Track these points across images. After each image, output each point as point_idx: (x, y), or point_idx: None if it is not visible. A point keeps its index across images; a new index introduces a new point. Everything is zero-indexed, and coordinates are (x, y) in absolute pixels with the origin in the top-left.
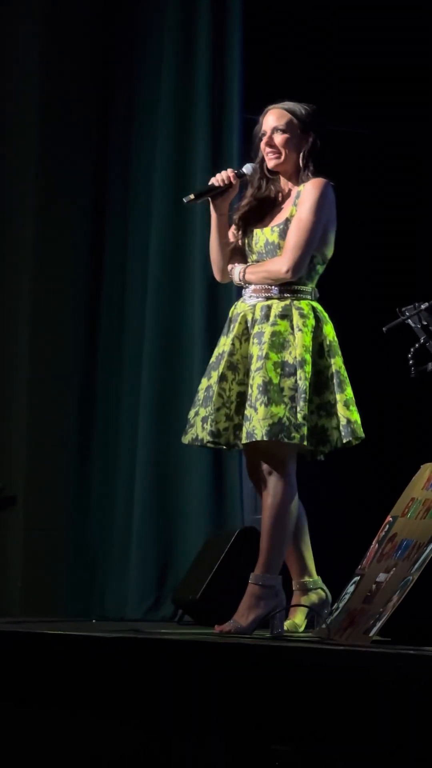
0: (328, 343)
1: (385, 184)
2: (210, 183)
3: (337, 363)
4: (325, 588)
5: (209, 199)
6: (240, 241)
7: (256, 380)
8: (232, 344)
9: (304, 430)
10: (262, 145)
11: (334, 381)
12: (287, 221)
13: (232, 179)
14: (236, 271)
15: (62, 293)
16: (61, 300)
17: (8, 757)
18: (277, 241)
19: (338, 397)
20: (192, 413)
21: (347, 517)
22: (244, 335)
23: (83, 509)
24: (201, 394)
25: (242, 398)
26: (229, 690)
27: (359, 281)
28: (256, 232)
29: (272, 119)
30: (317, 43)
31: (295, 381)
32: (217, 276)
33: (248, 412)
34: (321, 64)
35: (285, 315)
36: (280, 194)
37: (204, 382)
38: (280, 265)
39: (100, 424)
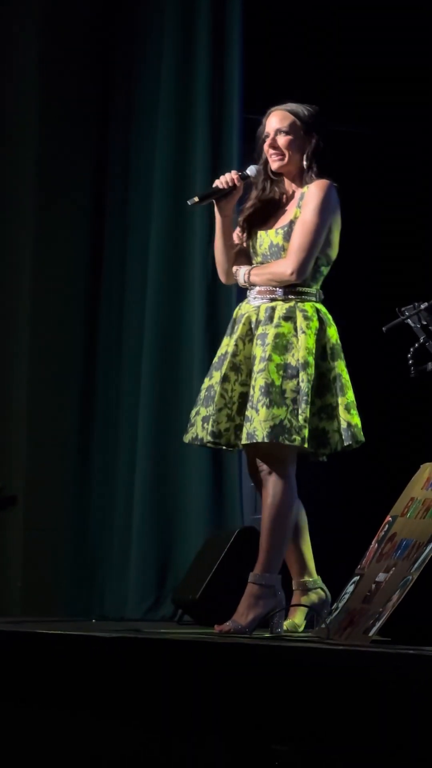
0: (331, 345)
1: (384, 184)
2: (214, 185)
3: (339, 366)
4: (324, 588)
5: (213, 201)
6: (245, 243)
7: (258, 381)
8: (236, 345)
9: (305, 432)
10: (266, 146)
11: (336, 384)
12: (291, 223)
13: (236, 181)
14: (241, 272)
15: (62, 293)
16: (61, 300)
17: (8, 757)
18: (281, 243)
19: (340, 400)
20: (193, 412)
21: (347, 517)
22: (248, 336)
23: (83, 509)
24: (202, 394)
25: (244, 399)
26: (229, 690)
27: (358, 281)
28: (261, 234)
29: (275, 121)
30: (317, 42)
31: (297, 383)
32: (222, 278)
33: (249, 413)
34: (321, 64)
35: (289, 317)
36: (284, 196)
37: (206, 382)
38: (285, 267)
39: (100, 424)
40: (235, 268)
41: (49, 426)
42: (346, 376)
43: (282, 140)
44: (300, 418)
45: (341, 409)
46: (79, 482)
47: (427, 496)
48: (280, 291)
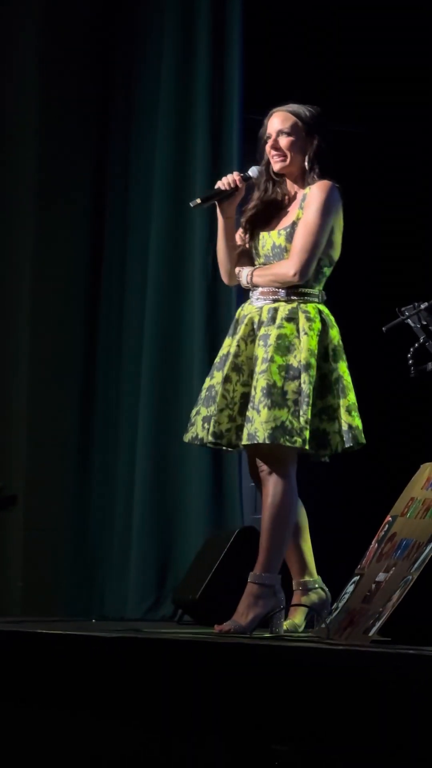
0: (333, 347)
1: (384, 184)
2: (216, 187)
3: (341, 367)
4: (325, 588)
5: (215, 203)
6: (247, 245)
7: (260, 382)
8: (238, 346)
9: (306, 434)
10: (268, 148)
11: (338, 385)
12: (294, 224)
13: (238, 183)
14: (244, 274)
15: (62, 293)
16: (61, 300)
17: (8, 757)
18: (284, 244)
19: (341, 402)
20: (193, 412)
21: (347, 516)
22: (250, 337)
23: (83, 509)
24: (203, 393)
25: (246, 399)
26: (229, 690)
27: (358, 281)
28: (263, 235)
29: (277, 122)
30: (317, 42)
31: (299, 385)
32: (225, 279)
33: (251, 413)
34: (321, 64)
35: (291, 318)
36: (286, 197)
37: (207, 382)
38: (288, 268)
39: (100, 424)
40: (237, 269)
41: (49, 426)
42: (347, 377)
43: (284, 141)
44: (301, 419)
45: (342, 411)
46: (79, 482)
47: (427, 496)
48: (282, 292)
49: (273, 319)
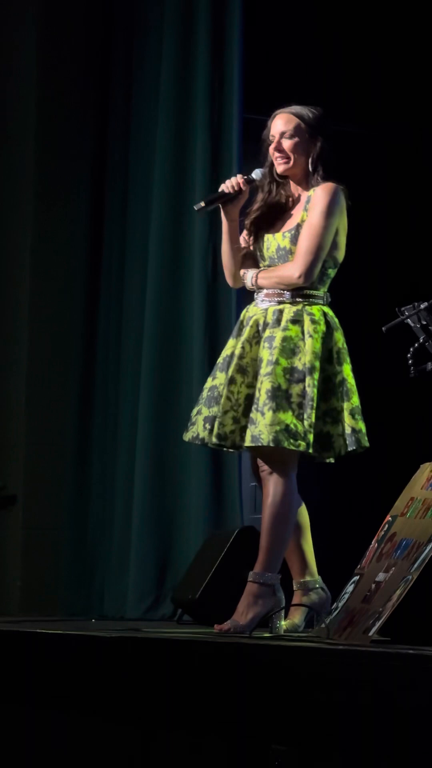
0: (337, 349)
1: (384, 184)
2: (220, 190)
3: (345, 370)
4: (325, 588)
5: (219, 205)
6: (251, 247)
7: (264, 385)
8: (242, 348)
9: (310, 437)
10: (271, 149)
11: (342, 388)
12: (298, 226)
13: (241, 185)
14: (248, 276)
15: (61, 294)
16: (61, 300)
17: (8, 757)
18: (288, 246)
19: (345, 405)
20: (194, 411)
21: (347, 516)
22: (255, 338)
23: (83, 508)
24: (205, 393)
25: (250, 401)
26: (229, 690)
27: (357, 281)
28: (268, 237)
29: (280, 124)
30: (317, 42)
31: (303, 388)
32: (230, 281)
33: (254, 415)
34: (321, 64)
35: (296, 320)
36: (290, 199)
37: (209, 382)
38: (293, 270)
39: (100, 424)
40: (242, 271)
41: (48, 426)
42: (351, 380)
43: (287, 143)
44: (305, 423)
45: (346, 414)
46: (79, 482)
47: (427, 495)
48: (287, 294)
49: (278, 321)
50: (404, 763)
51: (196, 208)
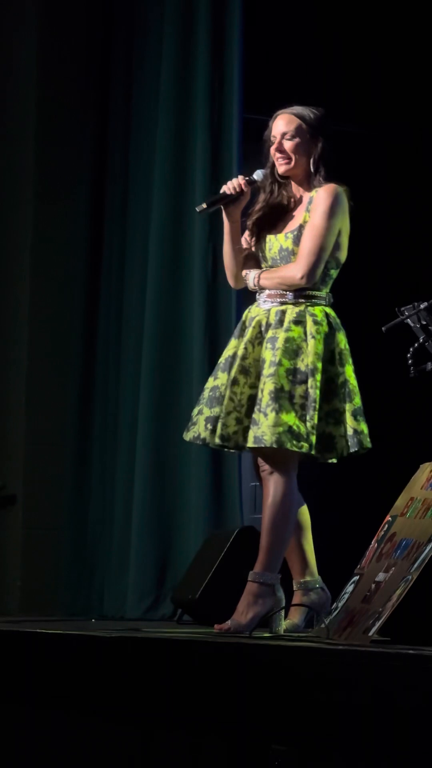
0: (339, 350)
1: (384, 184)
2: (221, 191)
3: (347, 371)
4: (325, 588)
5: (221, 207)
6: (253, 247)
7: (267, 386)
8: (245, 348)
9: (313, 439)
10: (272, 150)
11: (344, 389)
12: (301, 227)
13: (243, 187)
14: (251, 276)
15: (61, 294)
16: (60, 301)
17: (8, 757)
18: (291, 247)
19: (347, 406)
20: (195, 411)
21: (347, 516)
22: (257, 339)
23: (82, 508)
24: (206, 393)
25: (253, 402)
26: (229, 690)
27: (357, 280)
28: (270, 238)
29: (281, 124)
30: (317, 42)
31: (306, 389)
32: (231, 282)
33: (257, 416)
34: (321, 64)
35: (299, 321)
36: (292, 200)
37: (210, 382)
38: (295, 271)
39: (100, 424)
40: (244, 272)
41: (48, 426)
42: (353, 381)
43: (288, 144)
44: (308, 424)
45: (348, 416)
46: (79, 481)
47: (427, 495)
48: (290, 295)
49: (281, 322)
50: (404, 763)
51: (197, 209)
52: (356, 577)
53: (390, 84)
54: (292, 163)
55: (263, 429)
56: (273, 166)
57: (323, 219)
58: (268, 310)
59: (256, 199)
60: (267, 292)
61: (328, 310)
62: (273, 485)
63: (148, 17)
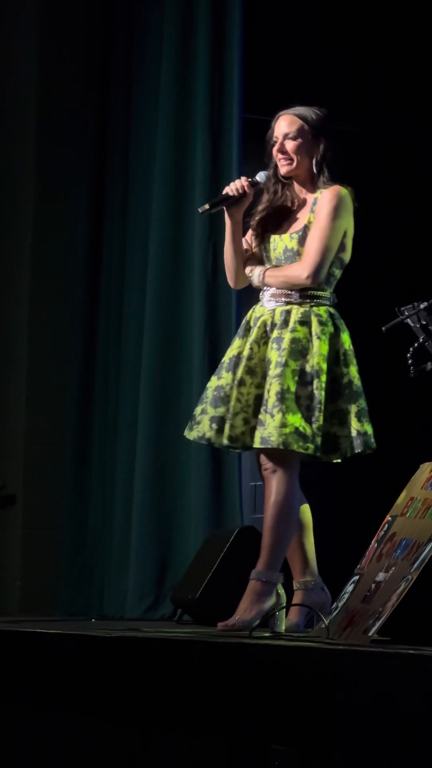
0: (344, 351)
1: (384, 184)
2: (224, 192)
3: (352, 372)
4: (325, 588)
5: (224, 208)
6: (255, 248)
7: (273, 387)
8: (251, 349)
9: (318, 440)
10: (274, 151)
11: (349, 390)
12: (306, 228)
13: (246, 188)
14: (256, 273)
15: (61, 293)
16: (60, 301)
17: (8, 757)
18: (296, 247)
19: (352, 407)
20: (198, 410)
21: (347, 516)
22: (263, 339)
23: (82, 508)
24: (210, 393)
25: (260, 402)
26: (229, 690)
27: (357, 280)
28: (274, 238)
29: (284, 125)
30: (317, 42)
31: (312, 390)
32: (231, 282)
33: (263, 417)
34: (321, 64)
35: (304, 321)
36: (295, 201)
37: (213, 381)
38: (301, 270)
39: (99, 424)
40: (249, 268)
41: (48, 425)
42: (358, 382)
43: (290, 145)
44: (314, 425)
45: (352, 417)
46: (78, 481)
47: (426, 495)
48: (295, 295)
49: (286, 323)
50: (404, 763)
51: (200, 210)
52: (356, 577)
53: (390, 84)
54: (295, 163)
55: (270, 430)
56: (276, 167)
57: (328, 220)
58: (273, 310)
59: (259, 199)
60: (271, 291)
61: (333, 310)
62: (275, 484)
63: (148, 17)
